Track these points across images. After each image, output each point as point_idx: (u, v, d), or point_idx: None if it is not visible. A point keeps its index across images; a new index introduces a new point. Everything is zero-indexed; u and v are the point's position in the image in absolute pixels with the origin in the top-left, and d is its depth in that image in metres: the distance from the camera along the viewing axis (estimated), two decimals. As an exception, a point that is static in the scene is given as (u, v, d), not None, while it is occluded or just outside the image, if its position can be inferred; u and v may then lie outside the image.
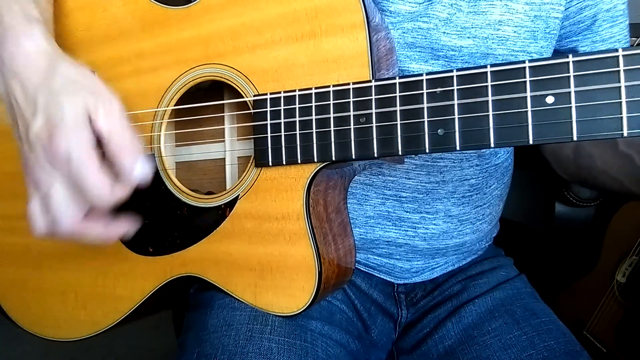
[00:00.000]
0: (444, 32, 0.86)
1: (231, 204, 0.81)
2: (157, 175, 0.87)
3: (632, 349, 1.55)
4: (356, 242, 0.87)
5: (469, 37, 0.87)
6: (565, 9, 0.90)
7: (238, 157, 0.89)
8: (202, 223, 0.83)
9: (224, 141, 0.90)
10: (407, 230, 0.96)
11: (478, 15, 0.86)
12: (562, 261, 1.77)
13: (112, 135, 0.70)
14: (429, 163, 0.93)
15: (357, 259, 0.87)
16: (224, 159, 0.90)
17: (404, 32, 0.86)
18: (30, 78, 0.73)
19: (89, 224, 0.74)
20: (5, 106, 0.76)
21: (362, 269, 1.03)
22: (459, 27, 0.87)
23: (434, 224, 0.97)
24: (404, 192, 0.94)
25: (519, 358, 0.84)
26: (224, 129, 0.89)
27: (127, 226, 0.78)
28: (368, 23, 0.70)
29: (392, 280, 1.03)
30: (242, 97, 0.79)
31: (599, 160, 0.88)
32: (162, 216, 0.87)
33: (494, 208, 1.06)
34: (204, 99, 0.83)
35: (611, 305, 1.62)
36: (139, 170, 0.71)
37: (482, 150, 0.95)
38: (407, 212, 0.95)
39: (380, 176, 0.93)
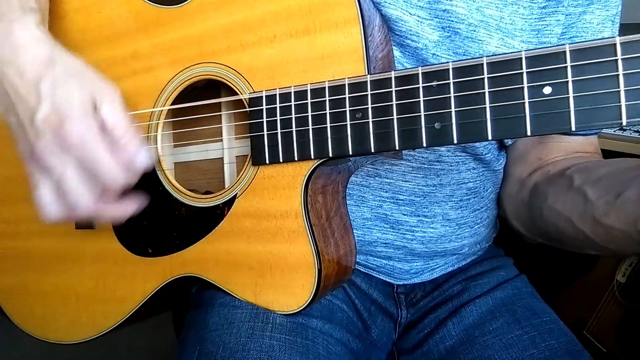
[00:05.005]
0: (434, 54, 0.86)
1: (229, 203, 0.81)
2: (154, 176, 0.87)
3: (632, 349, 1.55)
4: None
5: None
6: None
7: (236, 156, 0.89)
8: (200, 223, 0.83)
9: (221, 140, 0.90)
10: (405, 234, 0.96)
11: (474, 43, 0.85)
12: (562, 261, 1.77)
13: (117, 123, 0.72)
14: (426, 166, 0.93)
15: (356, 260, 0.86)
16: (222, 158, 0.89)
17: (393, 45, 0.86)
18: (28, 64, 0.73)
19: (104, 204, 0.75)
20: None
21: (361, 269, 1.02)
22: (451, 52, 0.86)
23: (432, 227, 0.97)
24: (400, 194, 0.94)
25: (520, 357, 0.84)
26: (221, 128, 0.89)
27: (136, 203, 0.79)
28: (362, 17, 0.70)
29: (392, 281, 1.03)
30: (238, 95, 0.79)
31: (551, 197, 0.86)
32: (160, 217, 0.87)
33: (491, 212, 1.06)
34: (200, 99, 0.83)
35: (611, 305, 1.62)
36: (143, 156, 0.74)
37: (481, 155, 0.95)
38: (404, 215, 0.95)
39: (376, 177, 0.93)
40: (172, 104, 0.85)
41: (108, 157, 0.71)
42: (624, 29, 0.95)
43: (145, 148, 0.74)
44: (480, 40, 0.85)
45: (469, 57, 0.71)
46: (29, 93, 0.72)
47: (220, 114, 0.89)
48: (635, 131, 1.59)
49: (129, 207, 0.79)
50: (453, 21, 0.84)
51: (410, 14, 0.84)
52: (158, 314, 0.99)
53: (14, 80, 0.73)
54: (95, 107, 0.72)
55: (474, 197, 0.99)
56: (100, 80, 0.75)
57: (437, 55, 0.86)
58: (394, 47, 0.85)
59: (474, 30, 0.85)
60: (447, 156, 0.93)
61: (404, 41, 0.85)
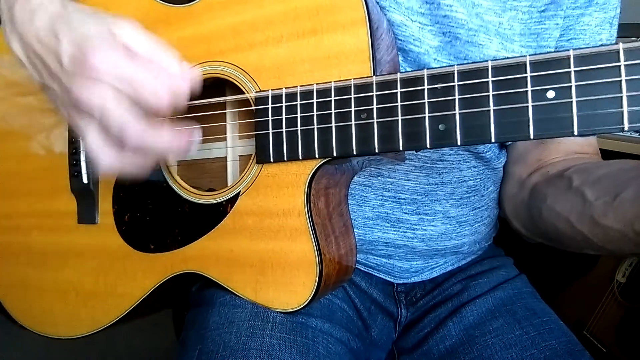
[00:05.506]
0: (435, 59, 0.87)
1: (232, 200, 0.81)
2: (158, 172, 0.88)
3: (632, 349, 1.55)
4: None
5: None
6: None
7: (240, 156, 0.89)
8: (203, 220, 0.84)
9: (225, 139, 0.90)
10: (406, 232, 0.96)
11: (474, 47, 0.86)
12: (562, 261, 1.78)
13: (144, 45, 0.69)
14: (428, 165, 0.93)
15: (357, 258, 0.87)
16: (226, 157, 0.90)
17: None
18: (43, 19, 0.71)
19: (156, 130, 0.69)
20: (22, 63, 0.75)
21: (361, 268, 1.03)
22: (452, 57, 0.87)
23: (433, 225, 0.97)
24: (402, 193, 0.94)
25: (520, 357, 0.84)
26: (225, 127, 0.90)
27: (192, 132, 0.73)
28: (369, 19, 0.70)
29: (392, 280, 1.03)
30: (244, 94, 0.79)
31: (550, 198, 0.87)
32: (163, 213, 0.87)
33: (492, 211, 1.06)
34: (206, 97, 0.83)
35: (611, 305, 1.62)
36: (186, 70, 0.70)
37: (482, 153, 0.95)
38: (405, 213, 0.95)
39: (379, 177, 0.93)
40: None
41: (145, 75, 0.67)
42: (624, 29, 0.95)
43: (184, 63, 0.70)
44: (481, 44, 0.85)
45: (470, 61, 0.71)
46: (49, 43, 0.70)
47: (225, 112, 0.89)
48: (635, 131, 1.59)
49: (186, 135, 0.71)
50: (453, 26, 0.85)
51: (412, 20, 0.84)
52: (158, 311, 0.99)
53: (32, 41, 0.72)
54: (116, 38, 0.68)
55: (475, 195, 1.00)
56: (117, 16, 0.71)
57: (439, 60, 0.86)
58: (399, 55, 0.86)
59: (474, 35, 0.85)
60: (449, 155, 0.93)
61: (406, 46, 0.85)
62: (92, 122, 0.69)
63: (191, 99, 0.83)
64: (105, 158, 0.70)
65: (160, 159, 0.76)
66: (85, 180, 0.93)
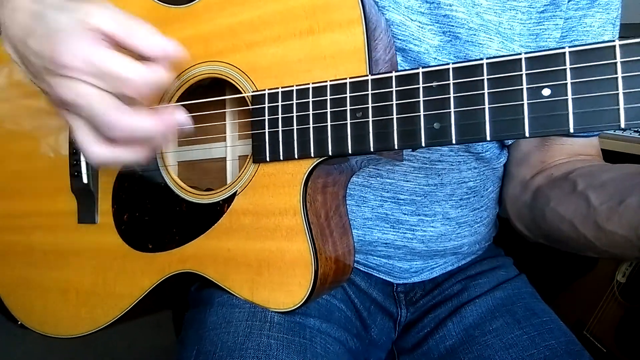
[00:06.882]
0: (435, 59, 0.87)
1: (229, 200, 0.81)
2: (157, 172, 0.88)
3: (632, 349, 1.55)
4: (355, 244, 0.87)
5: None
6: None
7: (239, 155, 0.89)
8: (200, 219, 0.84)
9: (225, 139, 0.90)
10: (405, 233, 0.96)
11: (475, 47, 0.86)
12: (562, 261, 1.77)
13: (126, 27, 0.65)
14: (427, 166, 0.93)
15: (356, 259, 0.86)
16: (225, 157, 0.90)
17: (396, 50, 0.86)
18: (23, 18, 0.68)
19: (142, 117, 0.66)
20: (19, 65, 0.72)
21: (361, 268, 1.03)
22: (452, 56, 0.87)
23: (432, 226, 0.97)
24: (401, 194, 0.94)
25: (520, 357, 0.84)
26: (225, 127, 0.90)
27: (180, 113, 0.69)
28: (365, 18, 0.70)
29: (392, 280, 1.03)
30: (241, 93, 0.79)
31: (554, 200, 0.87)
32: (161, 212, 0.87)
33: (491, 211, 1.06)
34: (205, 97, 0.83)
35: (611, 305, 1.62)
36: (164, 44, 0.66)
37: (481, 153, 0.95)
38: (405, 214, 0.95)
39: (378, 178, 0.93)
40: (176, 102, 0.85)
41: (117, 56, 0.64)
42: (624, 29, 0.95)
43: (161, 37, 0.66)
44: (481, 44, 0.85)
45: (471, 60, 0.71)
46: (27, 42, 0.67)
47: (224, 112, 0.89)
48: (635, 131, 1.59)
49: (172, 116, 0.68)
50: (453, 26, 0.85)
51: (412, 20, 0.84)
52: (158, 311, 0.99)
53: (17, 42, 0.69)
54: (87, 26, 0.64)
55: (474, 196, 1.00)
56: (97, 2, 0.66)
57: (439, 59, 0.86)
58: (398, 54, 0.85)
59: (474, 34, 0.85)
60: (449, 155, 0.93)
61: (406, 45, 0.85)
62: (79, 118, 0.67)
63: (191, 99, 0.84)
64: (97, 154, 0.69)
65: (155, 145, 0.73)
66: (85, 180, 0.93)
